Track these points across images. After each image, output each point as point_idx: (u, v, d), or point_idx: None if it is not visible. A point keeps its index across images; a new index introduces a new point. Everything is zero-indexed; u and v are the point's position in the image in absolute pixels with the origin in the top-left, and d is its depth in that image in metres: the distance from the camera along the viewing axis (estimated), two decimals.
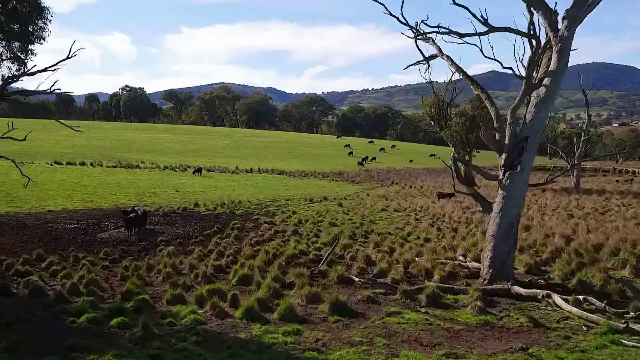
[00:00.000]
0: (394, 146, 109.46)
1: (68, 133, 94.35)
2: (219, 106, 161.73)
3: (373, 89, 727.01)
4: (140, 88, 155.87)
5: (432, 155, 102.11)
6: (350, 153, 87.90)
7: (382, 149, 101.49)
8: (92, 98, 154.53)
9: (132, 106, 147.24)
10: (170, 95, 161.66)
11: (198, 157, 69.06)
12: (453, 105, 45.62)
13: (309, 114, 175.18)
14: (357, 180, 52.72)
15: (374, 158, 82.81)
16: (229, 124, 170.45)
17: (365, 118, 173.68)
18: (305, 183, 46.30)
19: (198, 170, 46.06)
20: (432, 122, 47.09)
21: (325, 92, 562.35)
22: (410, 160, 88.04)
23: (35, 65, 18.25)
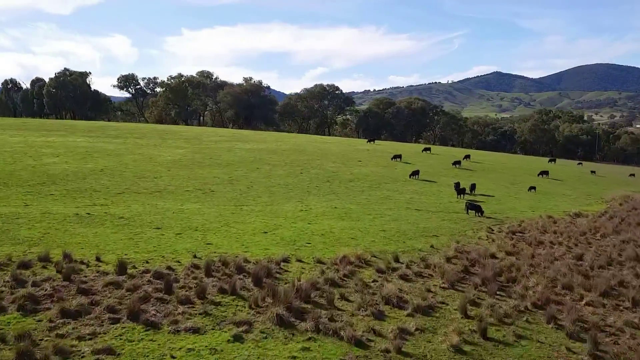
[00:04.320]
0: (467, 157, 68.92)
1: None
2: (193, 96, 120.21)
3: (375, 89, 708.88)
4: (83, 72, 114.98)
5: (541, 174, 61.20)
6: (415, 174, 47.79)
7: (458, 162, 61.22)
8: (11, 86, 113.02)
9: (63, 96, 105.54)
10: (127, 82, 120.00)
11: (81, 195, 28.89)
12: None
13: (320, 109, 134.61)
14: None
15: (473, 187, 42.46)
16: (211, 122, 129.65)
17: (396, 115, 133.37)
18: None
19: None
20: None
21: None
22: (532, 188, 47.69)
23: None
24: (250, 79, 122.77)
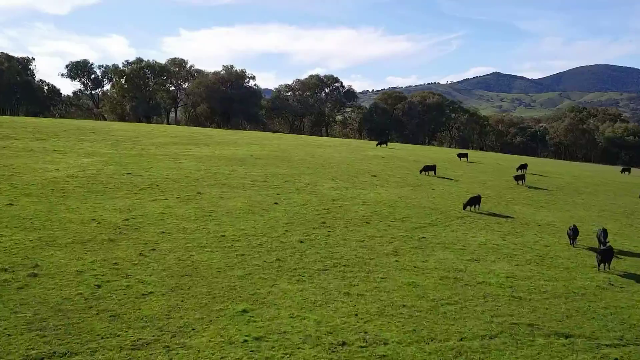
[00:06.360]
0: (524, 167, 48.78)
1: None
2: (157, 88, 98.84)
3: (373, 90, 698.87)
4: (25, 58, 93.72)
5: None
6: (473, 203, 28.02)
7: (521, 177, 41.63)
8: None
9: None
10: (77, 70, 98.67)
11: None
12: None
13: (316, 104, 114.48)
14: None
15: (605, 235, 22.25)
16: (185, 120, 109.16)
17: (408, 112, 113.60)
18: None
19: None
20: None
21: None
22: None
23: None
24: (231, 67, 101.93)
